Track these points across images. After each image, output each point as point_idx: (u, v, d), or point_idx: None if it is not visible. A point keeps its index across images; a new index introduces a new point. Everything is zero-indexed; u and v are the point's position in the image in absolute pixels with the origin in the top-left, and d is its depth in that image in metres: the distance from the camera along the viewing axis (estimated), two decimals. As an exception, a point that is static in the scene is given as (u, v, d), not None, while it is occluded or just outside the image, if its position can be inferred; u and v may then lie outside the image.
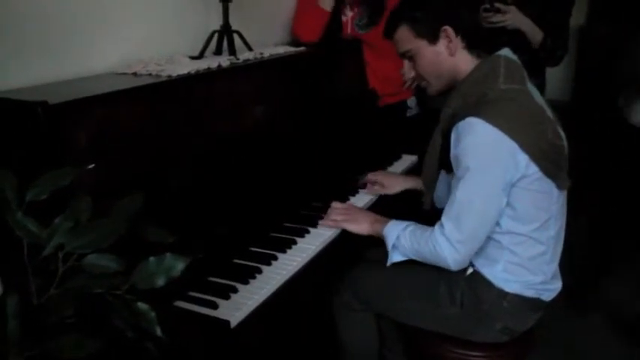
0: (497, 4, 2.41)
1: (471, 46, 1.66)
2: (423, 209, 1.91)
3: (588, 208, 3.76)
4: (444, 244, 1.58)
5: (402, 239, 1.68)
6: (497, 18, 2.40)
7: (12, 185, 1.00)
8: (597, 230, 3.67)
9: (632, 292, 3.03)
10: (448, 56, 1.66)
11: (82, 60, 1.76)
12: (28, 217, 1.00)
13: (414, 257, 1.69)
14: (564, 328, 2.65)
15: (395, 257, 1.72)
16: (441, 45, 1.65)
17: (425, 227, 1.67)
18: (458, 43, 1.65)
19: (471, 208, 1.55)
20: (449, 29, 1.63)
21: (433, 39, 1.65)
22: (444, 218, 1.60)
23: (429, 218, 1.87)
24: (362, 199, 2.07)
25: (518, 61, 1.68)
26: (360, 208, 1.94)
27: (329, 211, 1.86)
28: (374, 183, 2.11)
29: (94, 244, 1.00)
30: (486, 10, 2.40)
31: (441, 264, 1.62)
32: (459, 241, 1.57)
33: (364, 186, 2.13)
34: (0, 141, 1.35)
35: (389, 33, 1.73)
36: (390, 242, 1.71)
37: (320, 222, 1.83)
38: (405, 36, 1.68)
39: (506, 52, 1.67)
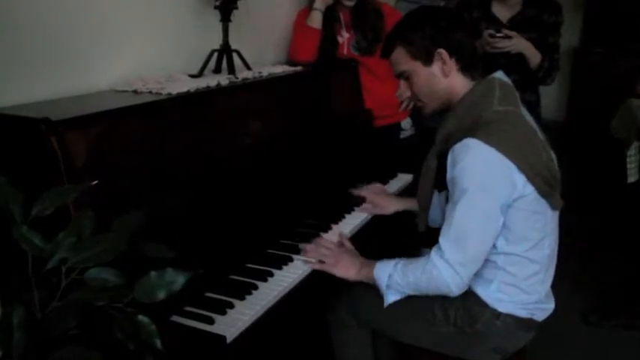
0: (505, 30, 2.48)
1: (466, 69, 1.68)
2: (416, 230, 1.91)
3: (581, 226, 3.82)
4: (444, 269, 1.55)
5: (396, 276, 1.65)
6: (504, 43, 2.47)
7: (18, 200, 1.02)
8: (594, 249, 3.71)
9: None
10: (442, 78, 1.68)
11: (84, 77, 1.79)
12: (32, 231, 1.02)
13: (411, 292, 1.66)
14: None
15: (391, 297, 1.68)
16: (436, 67, 1.67)
17: (414, 259, 1.65)
18: (452, 65, 1.67)
19: (470, 230, 1.54)
20: (443, 52, 1.65)
21: (428, 61, 1.67)
22: (442, 241, 1.58)
23: (422, 239, 1.88)
24: (357, 216, 2.09)
25: (511, 83, 1.70)
26: (347, 250, 1.82)
27: (316, 242, 1.82)
28: (369, 201, 2.14)
29: (96, 258, 1.02)
30: (492, 36, 2.47)
31: (442, 290, 1.59)
32: (460, 264, 1.55)
33: (359, 201, 2.16)
34: (3, 156, 1.37)
35: (385, 54, 1.75)
36: (383, 283, 1.67)
37: (304, 257, 1.76)
38: (401, 57, 1.70)
39: (499, 74, 1.70)
